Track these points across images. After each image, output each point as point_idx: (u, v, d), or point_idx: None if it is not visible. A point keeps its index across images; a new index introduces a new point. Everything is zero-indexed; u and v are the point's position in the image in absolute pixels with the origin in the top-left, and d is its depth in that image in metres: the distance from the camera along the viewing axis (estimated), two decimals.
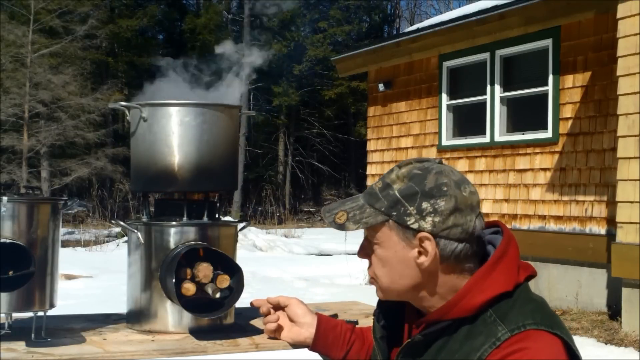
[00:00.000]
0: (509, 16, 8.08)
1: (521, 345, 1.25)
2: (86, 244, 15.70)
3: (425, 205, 1.32)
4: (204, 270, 2.77)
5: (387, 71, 10.52)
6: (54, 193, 20.36)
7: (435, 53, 9.46)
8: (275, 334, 1.72)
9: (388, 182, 1.37)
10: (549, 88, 7.94)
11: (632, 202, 6.31)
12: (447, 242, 1.33)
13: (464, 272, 1.35)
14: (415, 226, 1.33)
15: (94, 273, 10.67)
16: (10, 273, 2.53)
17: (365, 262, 1.46)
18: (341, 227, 1.38)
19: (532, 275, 1.38)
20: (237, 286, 2.83)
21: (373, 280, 1.44)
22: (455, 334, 1.32)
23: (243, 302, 3.16)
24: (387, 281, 1.40)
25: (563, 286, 7.70)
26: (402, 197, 1.34)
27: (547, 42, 7.99)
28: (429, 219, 1.32)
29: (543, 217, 8.02)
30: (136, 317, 2.99)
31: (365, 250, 1.42)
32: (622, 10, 6.42)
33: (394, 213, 1.34)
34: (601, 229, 7.35)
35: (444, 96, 9.46)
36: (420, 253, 1.34)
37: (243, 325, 3.06)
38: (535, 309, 1.31)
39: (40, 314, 2.66)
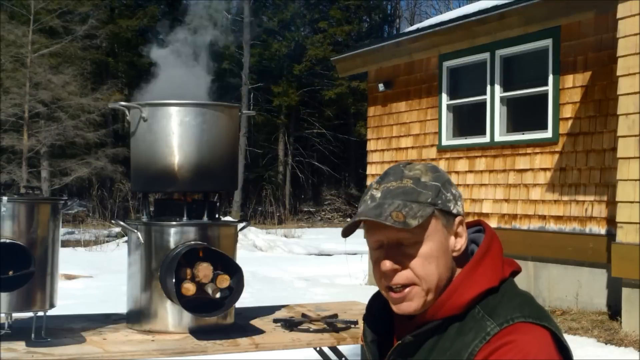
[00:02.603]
0: (509, 16, 8.08)
1: (510, 338, 1.27)
2: (86, 244, 15.71)
3: (454, 191, 1.40)
4: (204, 270, 2.77)
5: (387, 71, 10.51)
6: (54, 193, 20.36)
7: (435, 53, 9.46)
8: None
9: (417, 177, 1.37)
10: (549, 88, 7.94)
11: (632, 202, 6.31)
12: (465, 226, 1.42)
13: (465, 263, 1.38)
14: (455, 211, 1.38)
15: (94, 273, 10.68)
16: (10, 273, 2.53)
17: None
18: (405, 225, 1.31)
19: (517, 270, 1.41)
20: (237, 286, 2.83)
21: (413, 286, 1.34)
22: (446, 332, 1.34)
23: (243, 302, 3.17)
24: (435, 278, 1.34)
25: (563, 286, 7.69)
26: (441, 185, 1.38)
27: (547, 42, 7.99)
28: (459, 202, 1.40)
29: (543, 217, 8.02)
30: (136, 317, 2.99)
31: (398, 258, 1.34)
32: (622, 10, 6.42)
33: (439, 201, 1.37)
34: (601, 229, 7.35)
35: (444, 96, 9.46)
36: (456, 238, 1.38)
37: (243, 325, 3.06)
38: (522, 303, 1.33)
39: (40, 314, 2.66)
